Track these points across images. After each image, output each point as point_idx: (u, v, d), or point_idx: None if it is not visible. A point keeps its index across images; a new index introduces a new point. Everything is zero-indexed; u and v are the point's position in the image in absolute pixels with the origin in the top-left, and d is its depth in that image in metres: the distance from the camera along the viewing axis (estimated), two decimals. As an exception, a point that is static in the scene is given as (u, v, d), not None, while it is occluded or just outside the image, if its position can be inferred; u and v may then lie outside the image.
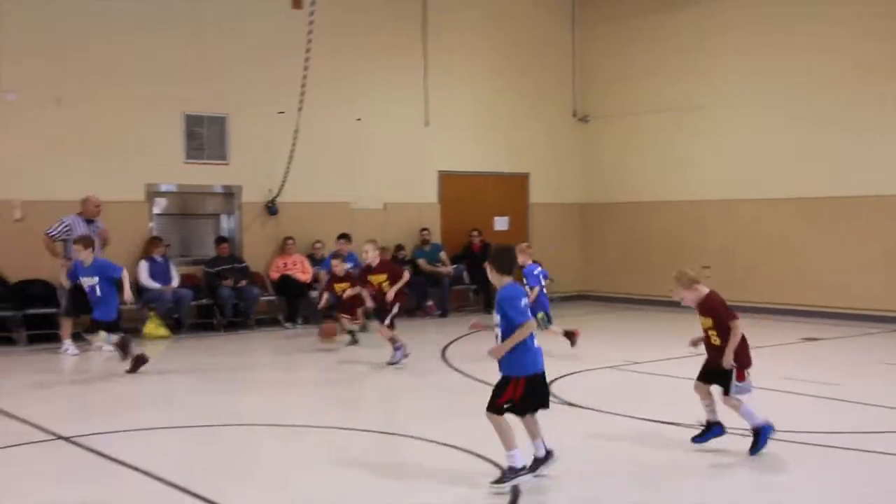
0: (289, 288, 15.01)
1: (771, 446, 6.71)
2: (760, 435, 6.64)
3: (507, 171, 18.26)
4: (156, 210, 14.74)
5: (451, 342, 12.75)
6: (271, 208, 15.43)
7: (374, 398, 9.44)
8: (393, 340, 10.82)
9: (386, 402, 9.24)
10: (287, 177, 15.22)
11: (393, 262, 11.32)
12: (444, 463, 6.56)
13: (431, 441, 7.06)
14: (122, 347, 10.39)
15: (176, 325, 13.88)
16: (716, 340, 6.74)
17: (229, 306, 14.51)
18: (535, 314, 10.51)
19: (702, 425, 6.88)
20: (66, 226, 12.28)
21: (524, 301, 5.86)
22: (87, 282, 10.41)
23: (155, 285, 13.80)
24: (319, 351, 12.19)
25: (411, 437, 7.30)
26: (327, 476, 6.29)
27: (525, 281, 10.76)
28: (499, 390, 5.84)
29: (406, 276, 11.02)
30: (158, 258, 14.05)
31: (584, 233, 19.05)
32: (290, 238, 15.34)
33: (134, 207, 14.28)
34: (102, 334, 10.46)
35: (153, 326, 13.47)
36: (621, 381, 10.10)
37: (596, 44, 18.69)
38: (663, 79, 17.38)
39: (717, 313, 6.69)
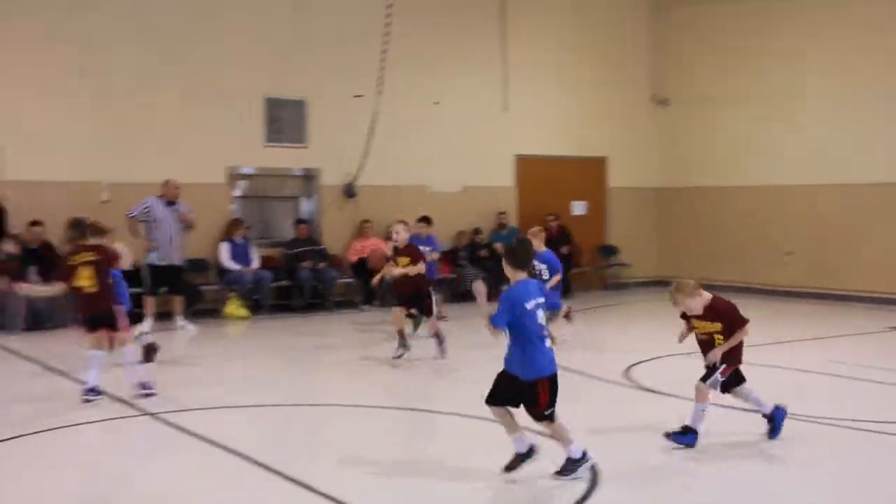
0: (366, 270, 15.13)
1: (835, 433, 6.55)
2: (690, 435, 6.48)
3: (584, 155, 18.09)
4: (236, 193, 15.00)
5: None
6: (349, 191, 15.57)
7: (452, 379, 9.44)
8: (437, 335, 10.27)
9: (465, 383, 9.20)
10: (365, 160, 15.35)
11: (418, 248, 10.52)
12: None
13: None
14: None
15: (255, 306, 14.11)
16: (720, 343, 6.55)
17: (308, 288, 14.70)
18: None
19: (765, 416, 6.74)
20: (145, 207, 12.52)
21: (531, 303, 5.61)
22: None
23: (235, 267, 14.05)
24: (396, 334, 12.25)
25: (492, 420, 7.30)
26: (405, 457, 6.33)
27: (541, 268, 10.62)
28: (530, 400, 5.64)
29: (421, 266, 10.15)
30: (239, 240, 14.29)
31: (662, 217, 18.79)
32: (367, 221, 15.46)
33: (215, 190, 14.54)
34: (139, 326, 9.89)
35: (234, 307, 13.73)
36: (698, 367, 9.94)
37: (677, 27, 18.35)
38: (746, 62, 16.97)
39: (728, 317, 6.52)
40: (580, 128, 17.89)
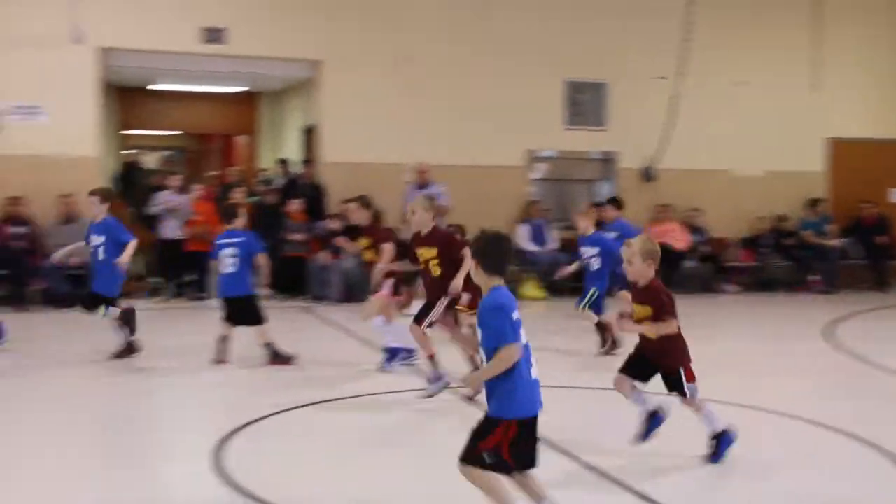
0: (664, 256, 14.81)
1: None
2: (721, 442, 5.66)
3: (908, 137, 16.65)
4: (535, 175, 15.23)
5: (835, 320, 11.96)
6: (648, 175, 15.34)
7: (753, 374, 9.03)
8: (429, 351, 7.37)
9: (768, 377, 8.79)
10: (665, 143, 15.05)
11: (451, 235, 7.82)
12: (827, 446, 6.20)
13: (817, 424, 6.69)
14: (127, 322, 8.87)
15: (551, 288, 14.26)
16: (653, 333, 5.71)
17: (602, 271, 14.64)
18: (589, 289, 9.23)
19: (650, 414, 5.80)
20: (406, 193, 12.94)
21: (516, 314, 4.33)
22: (94, 241, 8.90)
23: (533, 248, 14.29)
24: (696, 322, 11.89)
25: (795, 417, 6.95)
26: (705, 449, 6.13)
27: (591, 254, 9.36)
28: (480, 435, 4.30)
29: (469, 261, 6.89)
30: (536, 222, 14.52)
31: None
32: (666, 205, 15.16)
33: (514, 172, 14.85)
34: (102, 309, 8.83)
35: (530, 288, 13.99)
36: None
37: None
38: None
39: (660, 303, 5.67)
40: (903, 107, 16.48)
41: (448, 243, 7.25)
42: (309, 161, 14.90)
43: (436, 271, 7.20)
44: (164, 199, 13.41)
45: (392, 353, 8.45)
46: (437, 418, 7.16)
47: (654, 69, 15.03)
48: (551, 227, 14.76)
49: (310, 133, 15.44)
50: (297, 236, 13.48)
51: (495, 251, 4.43)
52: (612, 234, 10.72)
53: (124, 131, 18.31)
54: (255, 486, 5.21)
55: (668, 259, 14.57)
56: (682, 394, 5.71)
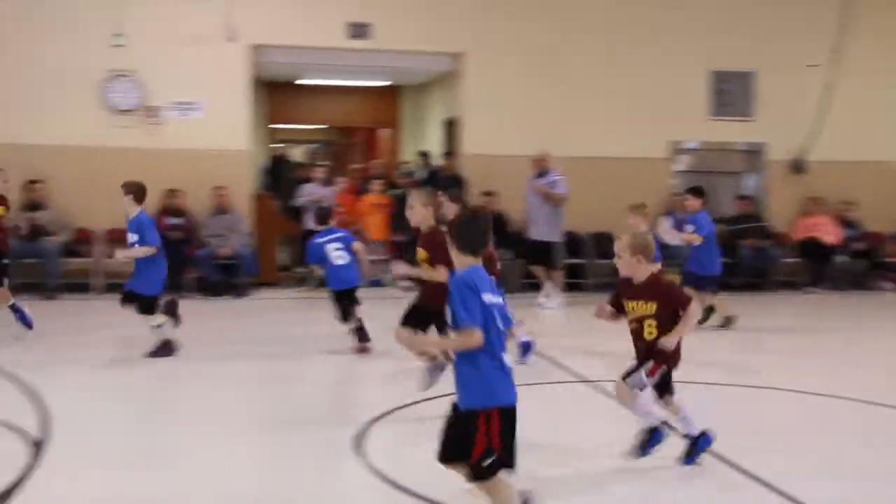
0: (813, 251, 14.33)
1: None
2: (653, 436, 5.36)
3: None
4: (678, 167, 14.93)
5: None
6: (798, 166, 14.80)
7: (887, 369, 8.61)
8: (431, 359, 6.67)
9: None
10: (817, 133, 14.48)
11: (442, 237, 5.96)
12: None
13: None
14: (172, 313, 8.64)
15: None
16: (651, 333, 5.27)
17: (748, 266, 14.25)
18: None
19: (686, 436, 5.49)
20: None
21: (488, 296, 4.04)
22: (129, 238, 8.46)
23: (674, 242, 13.99)
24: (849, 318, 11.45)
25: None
26: (851, 451, 5.91)
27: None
28: (465, 440, 4.04)
29: (442, 273, 6.36)
30: (679, 214, 14.22)
31: None
32: (817, 198, 14.61)
33: (656, 164, 14.59)
34: (157, 317, 8.45)
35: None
36: None
37: None
38: None
39: (667, 295, 5.22)
40: None
41: (439, 249, 6.09)
42: (450, 153, 15.04)
43: (428, 277, 6.64)
44: (308, 192, 13.79)
45: (525, 347, 8.55)
46: (572, 407, 7.13)
47: (806, 57, 14.47)
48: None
49: (451, 125, 15.58)
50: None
51: (469, 230, 4.25)
52: (689, 228, 10.69)
53: (272, 125, 18.92)
54: (401, 477, 5.23)
55: (818, 254, 14.23)
56: (626, 377, 5.35)
